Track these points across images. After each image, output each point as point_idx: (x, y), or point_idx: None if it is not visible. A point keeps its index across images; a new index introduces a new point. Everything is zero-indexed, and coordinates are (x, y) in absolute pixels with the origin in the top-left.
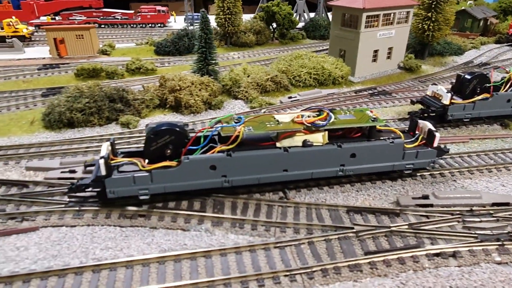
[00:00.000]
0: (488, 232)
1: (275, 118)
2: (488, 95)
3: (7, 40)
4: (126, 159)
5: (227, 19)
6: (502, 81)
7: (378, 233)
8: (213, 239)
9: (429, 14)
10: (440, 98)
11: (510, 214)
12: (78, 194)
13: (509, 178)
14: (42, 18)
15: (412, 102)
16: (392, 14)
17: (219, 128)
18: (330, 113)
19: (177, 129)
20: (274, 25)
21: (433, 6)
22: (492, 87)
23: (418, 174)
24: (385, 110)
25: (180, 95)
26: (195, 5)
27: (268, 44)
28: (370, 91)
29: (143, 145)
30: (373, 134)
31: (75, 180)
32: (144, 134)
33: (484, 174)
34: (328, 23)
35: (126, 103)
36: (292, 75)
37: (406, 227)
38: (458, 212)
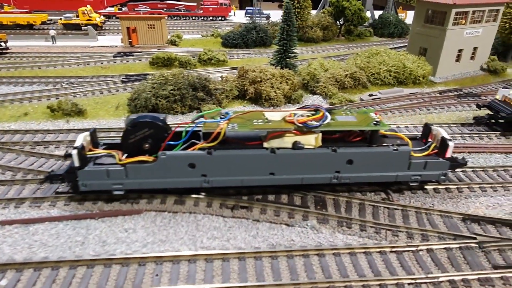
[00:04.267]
0: None
1: (264, 116)
2: None
3: (82, 28)
4: (105, 151)
5: (296, 13)
6: None
7: (505, 245)
8: (320, 237)
9: None
10: None
11: None
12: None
13: None
14: (109, 8)
15: (478, 107)
16: (481, 12)
17: (201, 123)
18: (327, 113)
19: (158, 122)
20: (341, 21)
21: None
22: None
23: None
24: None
25: (261, 87)
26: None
27: (334, 41)
28: (456, 93)
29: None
30: (375, 139)
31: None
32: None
33: None
34: (398, 20)
35: (208, 93)
36: (370, 72)
37: None
38: None
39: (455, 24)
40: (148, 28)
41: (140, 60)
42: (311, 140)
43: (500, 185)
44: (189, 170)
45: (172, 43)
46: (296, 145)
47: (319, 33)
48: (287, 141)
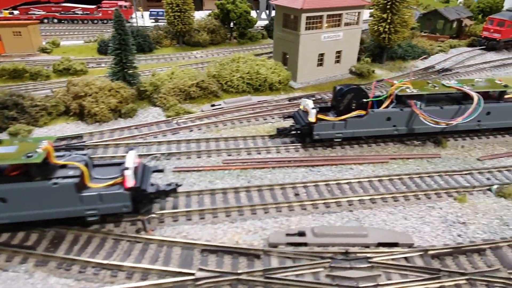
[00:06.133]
0: (354, 283)
1: None
2: (363, 112)
3: None
4: None
5: (176, 17)
6: (385, 96)
7: (222, 281)
8: (28, 283)
9: (385, 16)
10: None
11: (391, 260)
12: None
13: (415, 209)
14: None
15: (284, 117)
16: (338, 15)
17: None
18: None
19: None
20: (232, 24)
21: (388, 6)
22: (371, 103)
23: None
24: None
25: (84, 102)
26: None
27: (224, 44)
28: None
29: None
30: (36, 173)
31: None
32: None
33: (388, 203)
34: None
35: (22, 110)
36: (224, 80)
37: (261, 273)
38: (330, 255)
39: (309, 28)
40: (14, 35)
41: None
42: None
43: (286, 205)
44: None
45: (44, 50)
46: None
47: (206, 37)
48: None
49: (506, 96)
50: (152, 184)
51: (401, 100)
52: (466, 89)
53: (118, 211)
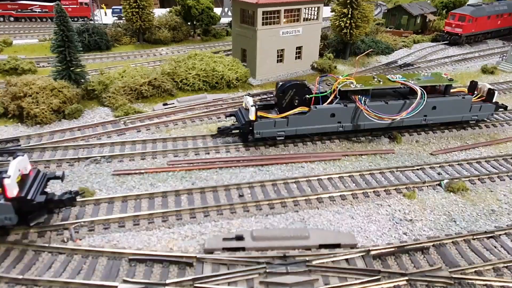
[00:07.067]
0: None
1: None
2: (306, 109)
3: None
4: None
5: (135, 13)
6: (329, 91)
7: None
8: None
9: (345, 10)
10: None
11: (331, 262)
12: None
13: (363, 207)
14: None
15: (226, 116)
16: (297, 10)
17: None
18: None
19: None
20: (195, 21)
21: (348, 1)
22: (314, 99)
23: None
24: None
25: (23, 103)
26: None
27: (187, 41)
28: (264, 96)
29: None
30: None
31: None
32: None
33: (335, 202)
34: None
35: None
36: (179, 78)
37: (190, 283)
38: (267, 260)
39: (266, 23)
40: None
41: None
42: None
43: (228, 207)
44: None
45: None
46: None
47: (167, 34)
48: None
49: (452, 90)
50: (44, 193)
51: (345, 95)
52: (411, 83)
53: (0, 224)
